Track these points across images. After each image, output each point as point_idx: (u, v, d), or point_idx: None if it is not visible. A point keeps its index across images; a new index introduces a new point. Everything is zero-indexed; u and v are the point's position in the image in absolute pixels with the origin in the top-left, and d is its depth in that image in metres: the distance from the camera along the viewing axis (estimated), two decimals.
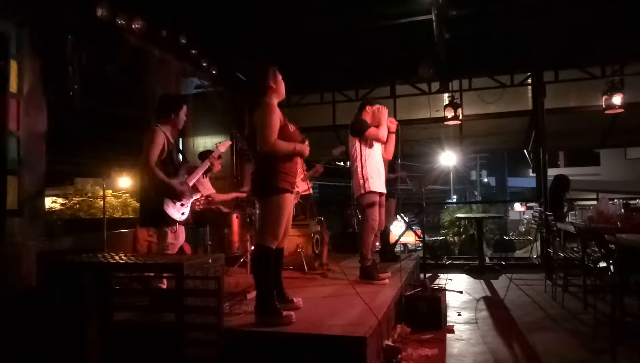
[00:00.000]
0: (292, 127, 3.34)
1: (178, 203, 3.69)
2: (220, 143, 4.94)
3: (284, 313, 3.08)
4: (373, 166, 4.53)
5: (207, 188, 5.34)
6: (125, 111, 5.41)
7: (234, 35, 6.30)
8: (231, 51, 6.76)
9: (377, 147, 4.61)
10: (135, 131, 5.26)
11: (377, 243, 5.36)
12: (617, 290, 3.69)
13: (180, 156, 3.94)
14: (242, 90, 7.45)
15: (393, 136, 4.69)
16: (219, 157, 4.75)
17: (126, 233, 4.97)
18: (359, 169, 4.51)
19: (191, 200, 3.84)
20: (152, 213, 3.65)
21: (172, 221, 3.65)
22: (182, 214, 3.74)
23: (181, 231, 3.85)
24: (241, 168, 7.87)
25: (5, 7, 3.91)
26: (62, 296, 2.73)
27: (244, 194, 5.64)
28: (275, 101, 3.32)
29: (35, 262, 3.88)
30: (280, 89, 3.35)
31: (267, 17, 5.92)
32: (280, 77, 3.36)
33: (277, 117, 3.19)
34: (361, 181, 4.49)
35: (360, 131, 4.51)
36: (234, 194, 5.76)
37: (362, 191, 4.49)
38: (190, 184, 3.85)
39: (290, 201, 3.28)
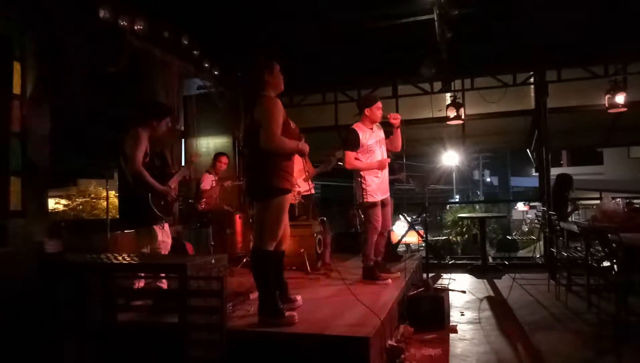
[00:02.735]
0: (293, 124, 3.31)
1: (162, 202, 3.73)
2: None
3: (287, 313, 3.07)
4: (372, 174, 4.51)
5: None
6: (128, 112, 5.42)
7: (236, 36, 6.30)
8: (233, 52, 6.76)
9: (377, 153, 4.57)
10: None
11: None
12: (621, 289, 3.68)
13: (159, 160, 3.97)
14: (242, 88, 7.46)
15: (398, 131, 4.66)
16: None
17: (130, 234, 4.97)
18: (359, 178, 4.51)
19: (174, 201, 3.91)
20: (139, 212, 3.67)
21: (159, 218, 3.68)
22: (168, 212, 3.79)
23: (168, 230, 3.87)
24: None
25: (7, 8, 3.92)
26: (66, 297, 2.74)
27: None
28: (273, 94, 3.25)
29: (39, 263, 3.88)
30: (277, 83, 3.26)
31: (268, 17, 5.92)
32: (277, 70, 3.27)
33: (280, 112, 3.10)
34: (360, 191, 4.50)
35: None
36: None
37: (361, 201, 4.52)
38: (172, 186, 3.91)
39: (289, 202, 3.27)
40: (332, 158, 5.74)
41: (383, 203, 4.60)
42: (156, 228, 3.68)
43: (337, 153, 5.54)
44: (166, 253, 3.79)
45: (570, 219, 6.67)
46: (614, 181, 18.70)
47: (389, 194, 4.72)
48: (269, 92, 3.22)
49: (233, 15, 5.78)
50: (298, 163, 4.08)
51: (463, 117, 7.47)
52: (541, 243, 8.09)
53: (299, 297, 3.49)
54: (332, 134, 8.17)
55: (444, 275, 6.70)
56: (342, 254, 6.46)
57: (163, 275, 3.38)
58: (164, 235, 3.76)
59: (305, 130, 3.50)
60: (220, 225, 5.45)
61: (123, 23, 4.88)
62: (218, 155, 6.02)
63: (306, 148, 3.26)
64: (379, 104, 4.60)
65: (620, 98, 6.79)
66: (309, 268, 5.10)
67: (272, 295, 3.13)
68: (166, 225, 3.82)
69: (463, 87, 7.80)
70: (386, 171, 4.65)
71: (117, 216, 6.26)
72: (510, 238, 12.88)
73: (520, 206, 22.10)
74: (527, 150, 8.98)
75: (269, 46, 6.37)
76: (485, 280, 6.51)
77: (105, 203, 4.74)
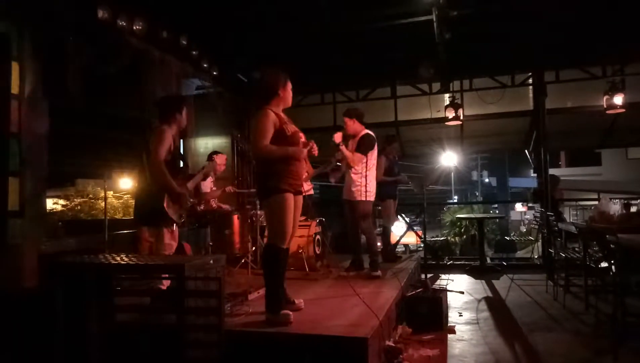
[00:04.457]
0: (290, 131, 3.35)
1: (177, 205, 3.70)
2: (215, 155, 5.06)
3: (282, 312, 3.12)
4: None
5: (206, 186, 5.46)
6: (126, 111, 5.41)
7: (235, 36, 6.30)
8: (232, 52, 6.76)
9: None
10: (136, 132, 5.29)
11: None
12: (618, 290, 3.69)
13: (182, 161, 3.94)
14: (243, 91, 7.46)
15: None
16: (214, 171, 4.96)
17: (128, 234, 4.96)
18: None
19: (189, 204, 3.88)
20: (151, 212, 3.65)
21: (170, 222, 3.66)
22: (180, 216, 3.76)
23: (176, 233, 3.86)
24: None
25: (6, 8, 3.91)
26: (64, 298, 2.73)
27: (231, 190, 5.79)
28: (279, 107, 3.37)
29: (37, 263, 3.88)
30: (287, 97, 3.41)
31: (267, 17, 5.92)
32: (289, 86, 3.42)
33: (269, 123, 3.24)
34: None
35: None
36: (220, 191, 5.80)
37: None
38: (190, 188, 3.88)
39: (292, 202, 3.30)
40: (332, 158, 5.75)
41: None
42: (165, 230, 3.67)
43: (337, 153, 5.54)
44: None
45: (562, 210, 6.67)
46: (612, 182, 18.70)
47: (345, 197, 4.99)
48: (274, 106, 3.34)
49: (232, 15, 5.78)
50: None
51: (461, 118, 7.48)
52: (539, 243, 8.11)
53: (298, 300, 3.50)
54: (330, 135, 8.15)
55: (442, 276, 6.71)
56: (340, 254, 6.46)
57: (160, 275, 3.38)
58: (172, 238, 3.75)
59: (303, 131, 3.52)
60: (219, 225, 5.43)
61: (122, 23, 4.88)
62: (214, 154, 5.91)
63: (299, 152, 3.32)
64: (344, 119, 5.02)
65: (618, 99, 6.81)
66: (307, 269, 5.10)
67: (276, 292, 3.19)
68: (175, 228, 3.81)
69: (462, 88, 7.81)
70: (347, 176, 4.94)
71: (115, 216, 6.27)
72: (508, 238, 12.91)
73: (519, 206, 22.12)
74: (526, 151, 8.99)
75: (268, 46, 6.42)
76: (483, 281, 6.52)
77: (104, 203, 4.72)
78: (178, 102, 3.88)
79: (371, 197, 4.87)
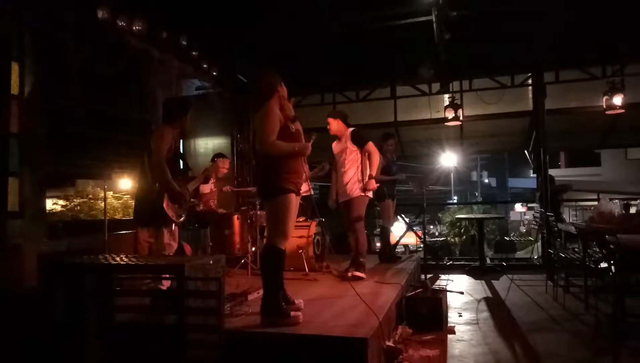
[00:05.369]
0: (294, 128, 3.36)
1: (176, 205, 3.71)
2: (219, 159, 5.04)
3: (292, 313, 3.11)
4: None
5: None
6: (126, 112, 5.41)
7: (235, 36, 6.30)
8: (232, 52, 6.76)
9: (338, 160, 5.02)
10: (137, 132, 5.29)
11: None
12: (618, 290, 3.69)
13: (181, 162, 3.95)
14: (243, 92, 7.46)
15: None
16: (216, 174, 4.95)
17: (127, 235, 4.96)
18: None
19: (188, 204, 3.89)
20: (151, 212, 3.65)
21: (169, 221, 3.66)
22: (180, 216, 3.76)
23: (176, 233, 3.86)
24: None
25: (6, 8, 3.91)
26: (64, 298, 2.73)
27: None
28: (277, 104, 3.35)
29: (37, 264, 3.88)
30: (284, 95, 3.43)
31: (267, 18, 5.92)
32: (282, 82, 3.44)
33: (276, 118, 3.23)
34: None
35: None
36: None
37: None
38: (190, 189, 3.90)
39: (294, 202, 3.30)
40: (325, 163, 5.77)
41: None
42: (164, 230, 3.67)
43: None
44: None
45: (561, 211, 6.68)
46: (611, 183, 18.71)
47: (342, 199, 4.95)
48: (274, 104, 3.33)
49: (232, 15, 5.78)
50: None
51: (461, 118, 7.48)
52: (539, 244, 8.12)
53: (298, 300, 3.50)
54: (330, 135, 8.15)
55: (442, 276, 6.71)
56: (340, 255, 6.45)
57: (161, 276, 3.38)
58: (171, 238, 3.74)
59: (304, 131, 3.53)
60: (218, 226, 5.43)
61: (122, 23, 4.88)
62: (218, 158, 5.86)
63: (305, 148, 3.32)
64: (328, 119, 5.07)
65: (617, 100, 6.80)
66: (307, 269, 5.10)
67: (277, 294, 3.17)
68: (175, 228, 3.80)
69: (461, 88, 7.81)
70: (344, 176, 4.91)
71: (115, 216, 6.26)
72: (508, 239, 12.90)
73: (518, 207, 22.14)
74: (525, 151, 9.00)
75: (268, 46, 6.42)
76: (483, 281, 6.52)
77: (103, 203, 4.72)
78: (183, 105, 3.90)
79: (369, 193, 4.87)
